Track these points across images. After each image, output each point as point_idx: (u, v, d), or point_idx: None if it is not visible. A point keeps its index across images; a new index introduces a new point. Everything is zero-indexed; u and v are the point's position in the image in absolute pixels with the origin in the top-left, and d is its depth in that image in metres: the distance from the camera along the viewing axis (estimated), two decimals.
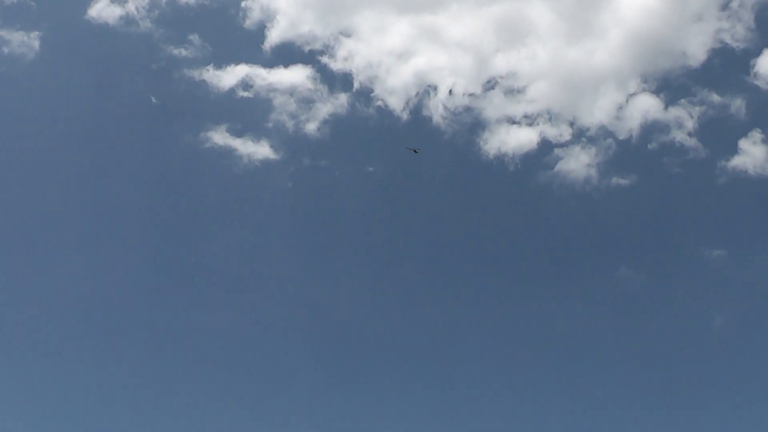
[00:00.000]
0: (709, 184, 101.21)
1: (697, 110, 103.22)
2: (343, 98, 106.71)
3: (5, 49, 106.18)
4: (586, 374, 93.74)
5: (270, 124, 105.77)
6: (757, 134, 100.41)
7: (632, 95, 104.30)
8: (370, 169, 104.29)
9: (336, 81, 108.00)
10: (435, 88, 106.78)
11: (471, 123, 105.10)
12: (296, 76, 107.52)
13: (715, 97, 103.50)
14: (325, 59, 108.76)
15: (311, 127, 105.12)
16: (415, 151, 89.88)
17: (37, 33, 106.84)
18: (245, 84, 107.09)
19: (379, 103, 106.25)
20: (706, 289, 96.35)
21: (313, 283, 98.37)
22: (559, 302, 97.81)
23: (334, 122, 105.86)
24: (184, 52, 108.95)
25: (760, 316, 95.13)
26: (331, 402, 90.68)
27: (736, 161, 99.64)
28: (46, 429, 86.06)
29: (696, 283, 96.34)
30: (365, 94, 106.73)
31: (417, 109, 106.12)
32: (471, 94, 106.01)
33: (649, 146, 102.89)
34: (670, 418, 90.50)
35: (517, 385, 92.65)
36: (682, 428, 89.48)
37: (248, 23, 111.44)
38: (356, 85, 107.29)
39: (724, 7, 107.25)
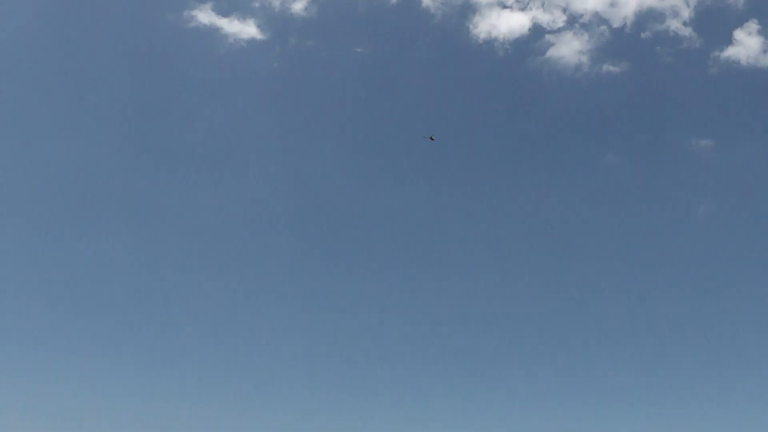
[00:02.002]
0: (701, 75, 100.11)
1: None
2: None
3: None
4: (572, 257, 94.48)
5: (256, 4, 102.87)
6: (753, 25, 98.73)
7: None
8: (358, 50, 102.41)
9: None
10: None
11: (461, 6, 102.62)
12: None
13: None
14: None
15: (298, 6, 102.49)
16: (431, 138, 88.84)
17: None
18: None
19: None
20: (693, 177, 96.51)
21: (298, 163, 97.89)
22: (546, 187, 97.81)
23: (322, 2, 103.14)
24: None
25: (744, 204, 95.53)
26: (316, 277, 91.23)
27: (730, 52, 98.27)
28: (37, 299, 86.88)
29: (683, 171, 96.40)
30: None
31: None
32: None
33: (642, 34, 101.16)
34: (654, 302, 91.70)
35: (503, 268, 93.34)
36: (666, 312, 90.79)
37: None
38: None
39: None
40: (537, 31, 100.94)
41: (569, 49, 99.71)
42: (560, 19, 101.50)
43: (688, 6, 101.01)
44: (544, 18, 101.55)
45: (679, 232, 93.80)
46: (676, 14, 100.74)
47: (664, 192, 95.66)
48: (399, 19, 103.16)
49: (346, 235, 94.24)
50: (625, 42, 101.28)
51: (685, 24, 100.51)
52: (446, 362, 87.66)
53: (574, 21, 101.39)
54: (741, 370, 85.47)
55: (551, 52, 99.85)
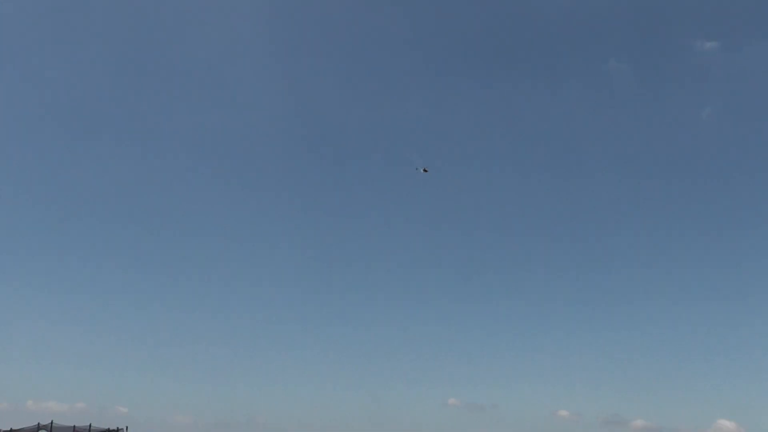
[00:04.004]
0: None
1: None
2: None
3: None
4: (575, 163, 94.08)
5: None
6: None
7: None
8: None
9: None
10: None
11: None
12: None
13: None
14: None
15: None
16: (425, 170, 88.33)
17: None
18: None
19: None
20: (697, 80, 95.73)
21: (296, 80, 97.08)
22: (548, 94, 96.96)
23: None
24: None
25: (747, 107, 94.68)
26: (316, 190, 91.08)
27: None
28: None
29: (686, 74, 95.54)
30: None
31: None
32: None
33: None
34: (655, 205, 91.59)
35: (507, 176, 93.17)
36: (670, 214, 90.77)
37: None
38: None
39: None
40: None
41: None
42: None
43: None
44: None
45: (681, 134, 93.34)
46: None
47: (667, 95, 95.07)
48: None
49: (346, 147, 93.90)
50: None
51: None
52: (449, 262, 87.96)
53: None
54: (740, 263, 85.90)
55: None
